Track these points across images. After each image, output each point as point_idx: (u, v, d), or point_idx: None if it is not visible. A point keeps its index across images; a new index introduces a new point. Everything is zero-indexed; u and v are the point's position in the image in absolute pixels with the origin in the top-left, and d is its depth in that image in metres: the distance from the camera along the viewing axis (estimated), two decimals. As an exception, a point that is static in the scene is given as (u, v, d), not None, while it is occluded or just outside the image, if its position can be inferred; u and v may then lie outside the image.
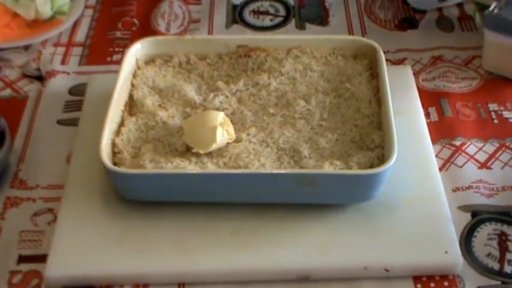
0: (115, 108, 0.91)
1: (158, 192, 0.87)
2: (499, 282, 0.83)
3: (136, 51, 1.01)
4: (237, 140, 0.91)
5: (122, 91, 0.94)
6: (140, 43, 1.01)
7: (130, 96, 0.97)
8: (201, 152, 0.88)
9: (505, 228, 0.88)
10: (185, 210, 0.88)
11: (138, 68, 1.00)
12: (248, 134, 0.91)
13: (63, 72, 1.12)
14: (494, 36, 1.05)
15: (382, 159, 0.86)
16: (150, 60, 1.02)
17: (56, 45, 1.18)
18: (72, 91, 1.09)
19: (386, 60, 0.99)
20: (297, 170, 0.86)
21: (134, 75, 0.99)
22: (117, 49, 1.17)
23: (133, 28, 1.22)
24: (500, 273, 0.83)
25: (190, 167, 0.86)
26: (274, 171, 0.85)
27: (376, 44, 1.00)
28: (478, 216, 0.89)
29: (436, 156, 0.96)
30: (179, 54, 1.02)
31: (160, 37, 1.07)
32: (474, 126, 1.01)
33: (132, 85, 0.98)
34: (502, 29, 1.04)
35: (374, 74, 0.98)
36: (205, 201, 0.88)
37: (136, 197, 0.88)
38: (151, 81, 0.98)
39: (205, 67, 1.01)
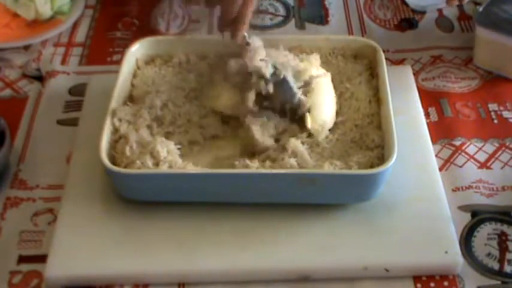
0: (114, 108, 0.91)
1: (158, 192, 0.86)
2: (499, 282, 0.83)
3: (136, 51, 1.01)
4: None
5: (121, 91, 0.94)
6: (140, 43, 1.01)
7: (131, 96, 0.97)
8: None
9: (505, 228, 0.88)
10: (185, 210, 0.88)
11: (138, 68, 1.00)
12: (248, 134, 0.91)
13: (63, 72, 1.12)
14: (486, 33, 1.06)
15: (382, 159, 0.86)
16: (150, 60, 1.02)
17: (56, 45, 1.18)
18: (72, 91, 1.09)
19: (386, 59, 0.99)
20: (297, 170, 0.86)
21: (134, 75, 0.99)
22: (117, 49, 1.17)
23: (133, 28, 1.22)
24: (500, 273, 0.83)
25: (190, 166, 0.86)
26: (274, 171, 0.85)
27: (375, 44, 1.00)
28: (478, 216, 0.89)
29: (436, 156, 0.96)
30: (179, 54, 1.02)
31: (160, 37, 1.07)
32: (474, 126, 1.01)
33: (132, 85, 0.98)
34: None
35: (374, 74, 0.98)
36: (206, 201, 0.88)
37: (137, 197, 0.88)
38: (151, 81, 0.98)
39: (205, 67, 1.01)
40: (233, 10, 0.91)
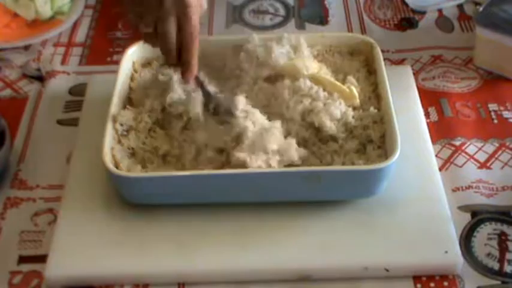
0: (115, 113, 0.91)
1: (162, 195, 0.86)
2: (499, 282, 0.83)
3: (133, 54, 1.00)
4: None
5: (120, 95, 0.94)
6: (137, 46, 1.01)
7: (129, 99, 0.96)
8: None
9: (505, 228, 0.88)
10: (185, 210, 0.88)
11: (135, 71, 1.00)
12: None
13: (63, 72, 1.12)
14: (486, 33, 1.06)
15: (385, 154, 0.86)
16: (146, 63, 1.02)
17: (56, 45, 1.18)
18: (72, 91, 1.09)
19: (386, 60, 0.99)
20: (300, 168, 0.85)
21: (132, 79, 0.99)
22: (117, 49, 1.17)
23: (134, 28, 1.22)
24: (500, 273, 0.83)
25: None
26: (278, 170, 0.85)
27: (372, 40, 1.00)
28: (477, 216, 0.89)
29: (436, 156, 0.96)
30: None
31: None
32: (474, 126, 1.01)
33: (130, 88, 0.98)
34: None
35: (371, 70, 0.98)
36: (210, 202, 0.88)
37: (142, 201, 0.87)
38: (149, 84, 0.98)
39: (203, 68, 1.00)
40: (172, 47, 0.87)
